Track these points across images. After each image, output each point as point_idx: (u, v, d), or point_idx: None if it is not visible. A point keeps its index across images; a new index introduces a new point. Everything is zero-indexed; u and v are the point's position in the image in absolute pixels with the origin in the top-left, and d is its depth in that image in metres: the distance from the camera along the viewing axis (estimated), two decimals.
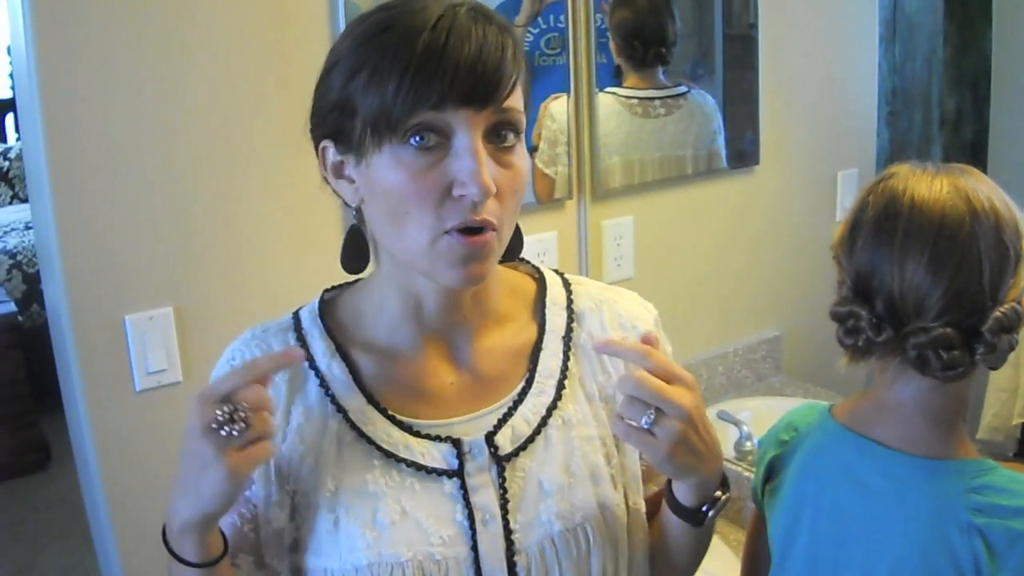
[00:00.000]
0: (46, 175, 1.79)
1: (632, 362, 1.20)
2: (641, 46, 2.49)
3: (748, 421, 2.32)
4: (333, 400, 1.24)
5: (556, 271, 1.40)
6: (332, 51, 1.17)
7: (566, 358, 1.30)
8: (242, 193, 1.98)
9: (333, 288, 1.35)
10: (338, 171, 1.19)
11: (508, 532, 1.21)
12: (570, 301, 1.35)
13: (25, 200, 6.54)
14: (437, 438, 1.23)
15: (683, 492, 1.26)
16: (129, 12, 1.81)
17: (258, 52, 1.96)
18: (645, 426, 1.14)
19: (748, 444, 2.26)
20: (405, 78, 1.06)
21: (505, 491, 1.22)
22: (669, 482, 1.29)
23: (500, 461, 1.22)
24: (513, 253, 1.28)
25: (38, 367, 4.52)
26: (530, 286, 1.37)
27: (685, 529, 1.29)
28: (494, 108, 1.09)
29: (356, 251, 1.25)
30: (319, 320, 1.29)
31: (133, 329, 1.89)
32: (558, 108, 2.38)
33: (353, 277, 1.31)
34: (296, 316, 1.31)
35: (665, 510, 1.30)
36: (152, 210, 1.89)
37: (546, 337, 1.31)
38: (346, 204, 1.22)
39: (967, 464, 1.21)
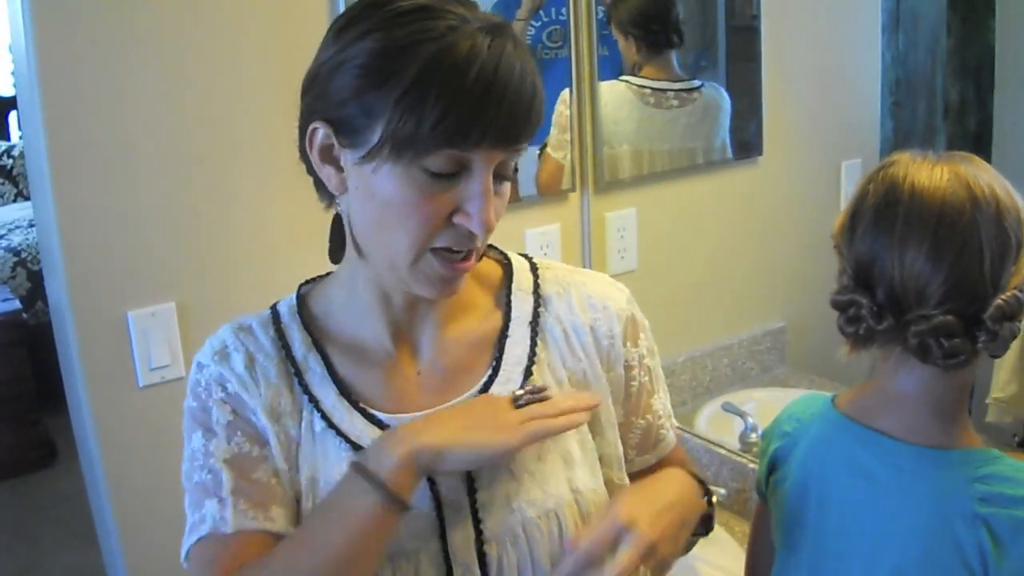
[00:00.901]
0: (47, 172, 1.79)
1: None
2: (661, 29, 2.51)
3: (753, 412, 2.31)
4: (306, 391, 1.25)
5: (524, 255, 1.40)
6: (348, 33, 1.11)
7: (533, 344, 1.30)
8: (244, 188, 1.98)
9: (308, 281, 1.36)
10: (326, 155, 1.16)
11: (477, 521, 1.20)
12: (537, 286, 1.34)
13: (29, 198, 6.55)
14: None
15: None
16: (128, 9, 1.81)
17: (259, 48, 1.96)
18: None
19: (753, 436, 2.25)
20: (450, 112, 1.04)
21: (473, 481, 1.21)
22: None
23: None
24: None
25: (43, 364, 4.53)
26: (496, 272, 1.37)
27: None
28: (516, 148, 1.11)
29: (341, 240, 1.26)
30: (297, 314, 1.30)
31: (136, 325, 1.89)
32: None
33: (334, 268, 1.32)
34: (275, 310, 1.32)
35: None
36: (153, 206, 1.89)
37: (512, 324, 1.31)
38: (318, 188, 1.22)
39: (971, 453, 1.21)
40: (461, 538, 1.20)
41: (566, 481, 1.26)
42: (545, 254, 2.41)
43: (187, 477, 1.24)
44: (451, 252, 1.14)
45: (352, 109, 1.10)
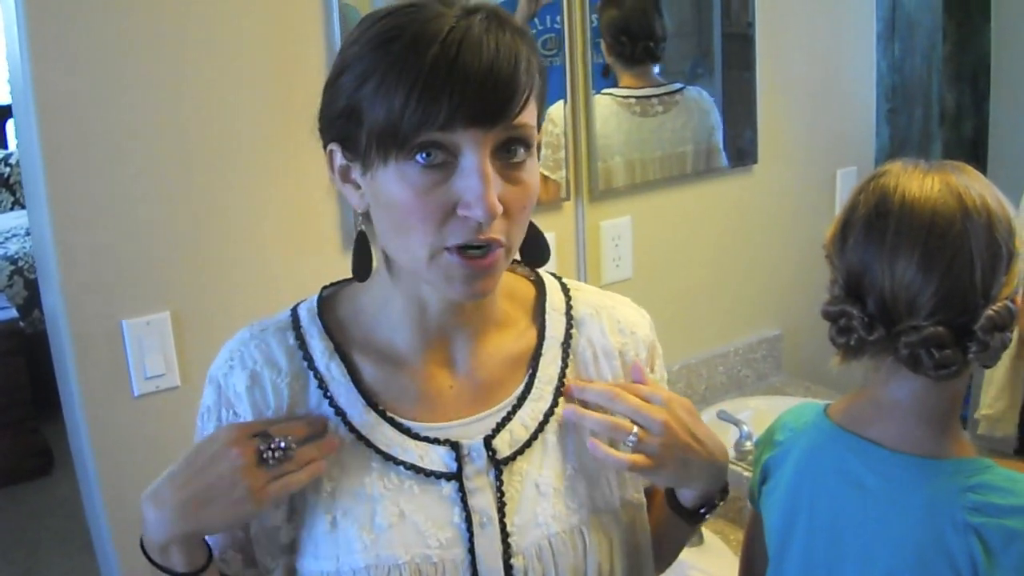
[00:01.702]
0: (42, 180, 1.79)
1: (601, 403, 1.25)
2: (629, 42, 2.48)
3: (749, 420, 2.31)
4: (332, 402, 1.22)
5: (553, 275, 1.39)
6: (343, 51, 1.13)
7: (564, 364, 1.30)
8: (239, 197, 1.98)
9: (331, 285, 1.33)
10: (345, 175, 1.16)
11: (505, 535, 1.20)
12: (569, 307, 1.34)
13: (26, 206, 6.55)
14: (435, 441, 1.22)
15: (686, 496, 1.32)
16: (123, 17, 1.80)
17: (254, 56, 1.96)
18: (629, 444, 1.21)
19: (748, 444, 2.25)
20: (412, 95, 1.02)
21: (502, 494, 1.21)
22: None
23: (498, 465, 1.22)
24: (538, 262, 1.29)
25: (40, 373, 4.52)
26: (528, 290, 1.36)
27: (678, 524, 1.34)
28: (504, 126, 1.06)
29: (366, 257, 1.23)
30: (318, 318, 1.27)
31: (130, 334, 1.89)
32: (557, 113, 2.37)
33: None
34: (295, 313, 1.29)
35: (662, 504, 1.35)
36: (148, 215, 1.89)
37: (546, 343, 1.30)
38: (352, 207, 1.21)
39: (963, 463, 1.21)
40: (489, 550, 1.19)
41: (588, 500, 1.27)
42: None
43: None
44: (469, 249, 1.09)
45: (344, 120, 1.10)
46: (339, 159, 1.16)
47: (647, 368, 1.35)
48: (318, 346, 1.25)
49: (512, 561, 1.20)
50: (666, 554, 1.42)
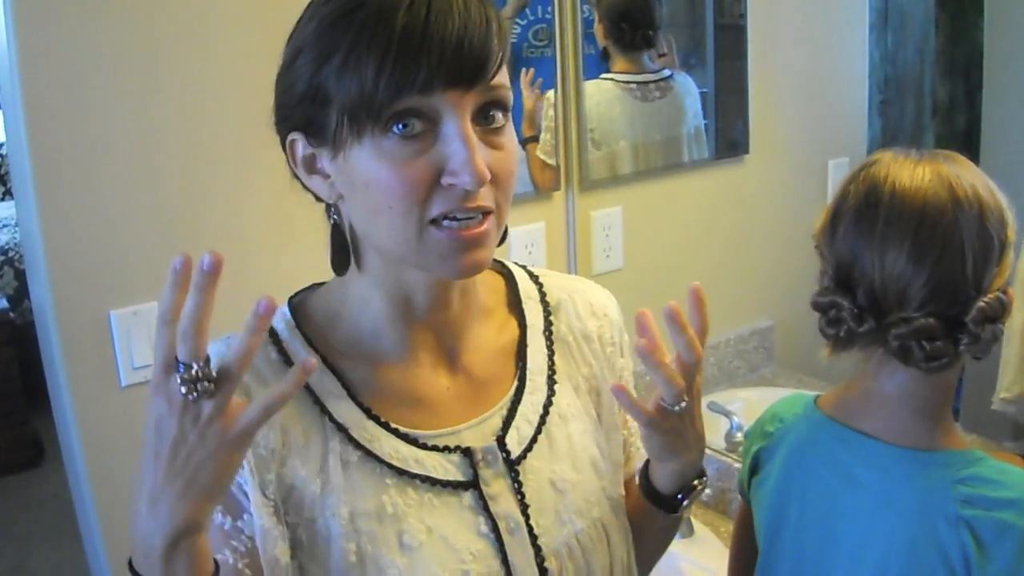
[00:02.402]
0: (30, 171, 1.78)
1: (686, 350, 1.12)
2: (629, 28, 2.49)
3: (740, 412, 2.31)
4: (331, 418, 1.13)
5: (517, 264, 1.36)
6: (295, 36, 1.08)
7: (551, 352, 1.28)
8: (226, 187, 1.97)
9: (298, 293, 1.25)
10: (310, 166, 1.10)
11: (533, 537, 1.16)
12: (543, 294, 1.32)
13: None
14: (446, 449, 1.15)
15: (663, 479, 1.26)
16: (110, 11, 1.80)
17: (243, 46, 1.95)
18: (677, 410, 1.12)
19: (738, 435, 2.25)
20: (387, 60, 0.97)
21: (523, 496, 1.17)
22: (644, 471, 1.29)
23: (512, 466, 1.18)
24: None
25: (30, 364, 4.50)
26: (498, 280, 1.32)
27: (657, 516, 1.29)
28: (482, 87, 1.02)
29: (343, 249, 1.14)
30: (297, 329, 1.18)
31: (118, 324, 1.88)
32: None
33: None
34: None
35: (639, 498, 1.30)
36: (136, 205, 1.88)
37: (529, 332, 1.27)
38: (318, 200, 1.15)
39: (955, 455, 1.20)
40: (522, 556, 1.15)
41: (600, 490, 1.25)
42: (530, 253, 2.40)
43: None
44: (455, 220, 1.04)
45: (307, 104, 1.05)
46: (302, 149, 1.10)
47: (620, 350, 1.34)
48: (303, 357, 1.15)
49: (546, 564, 1.16)
50: (647, 555, 1.36)
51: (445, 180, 1.02)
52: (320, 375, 1.14)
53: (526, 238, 2.39)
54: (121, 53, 1.83)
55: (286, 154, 1.13)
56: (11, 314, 5.17)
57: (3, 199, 6.90)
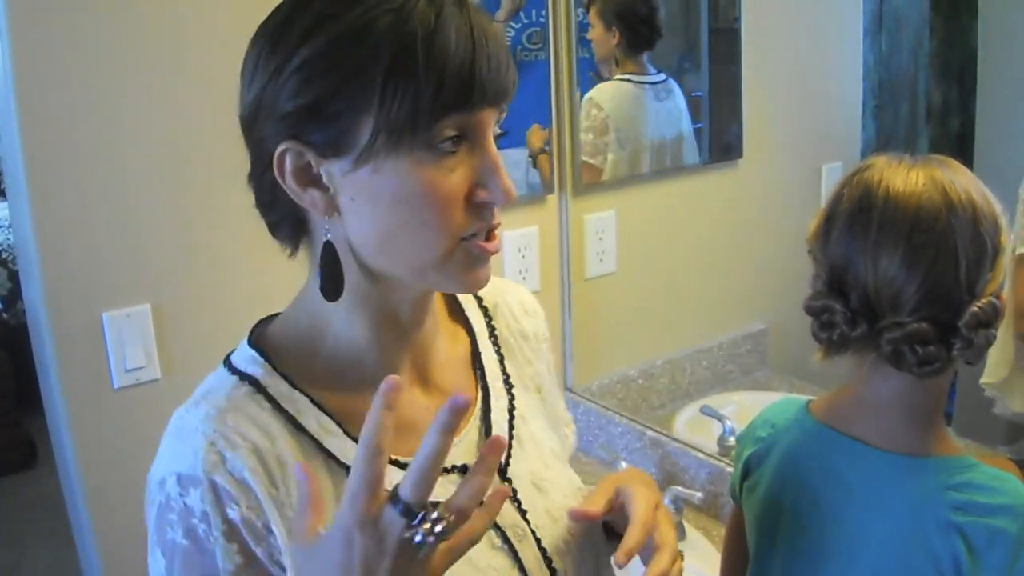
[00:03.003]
0: (23, 172, 1.78)
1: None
2: (648, 31, 2.55)
3: (733, 416, 2.31)
4: (338, 462, 1.08)
5: None
6: (290, 40, 1.01)
7: (500, 356, 1.29)
8: (220, 190, 1.96)
9: (253, 330, 1.18)
10: (303, 178, 1.03)
11: (538, 541, 1.17)
12: (479, 299, 1.31)
13: None
14: (444, 471, 1.09)
15: None
16: (106, 8, 1.80)
17: (237, 47, 1.94)
18: None
19: (731, 439, 2.25)
20: (446, 78, 0.95)
21: (519, 502, 1.19)
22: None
23: (503, 474, 1.19)
24: None
25: (23, 365, 4.48)
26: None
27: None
28: (507, 103, 1.04)
29: (338, 272, 1.07)
30: (274, 371, 1.11)
31: (111, 326, 1.88)
32: (600, 96, 2.43)
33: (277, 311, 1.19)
34: (237, 373, 1.11)
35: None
36: (129, 207, 1.88)
37: (478, 339, 1.28)
38: (276, 231, 1.14)
39: (947, 461, 1.20)
40: (533, 561, 1.15)
41: (570, 482, 1.27)
42: (523, 257, 2.40)
43: None
44: (478, 235, 1.04)
45: (332, 109, 0.98)
46: (294, 160, 1.02)
47: (544, 345, 1.37)
48: (294, 402, 1.10)
49: (554, 565, 1.17)
50: None
51: (479, 196, 1.02)
52: (308, 415, 1.09)
53: (519, 242, 2.39)
54: (115, 55, 1.83)
55: (271, 165, 1.04)
56: (5, 315, 5.16)
57: None
